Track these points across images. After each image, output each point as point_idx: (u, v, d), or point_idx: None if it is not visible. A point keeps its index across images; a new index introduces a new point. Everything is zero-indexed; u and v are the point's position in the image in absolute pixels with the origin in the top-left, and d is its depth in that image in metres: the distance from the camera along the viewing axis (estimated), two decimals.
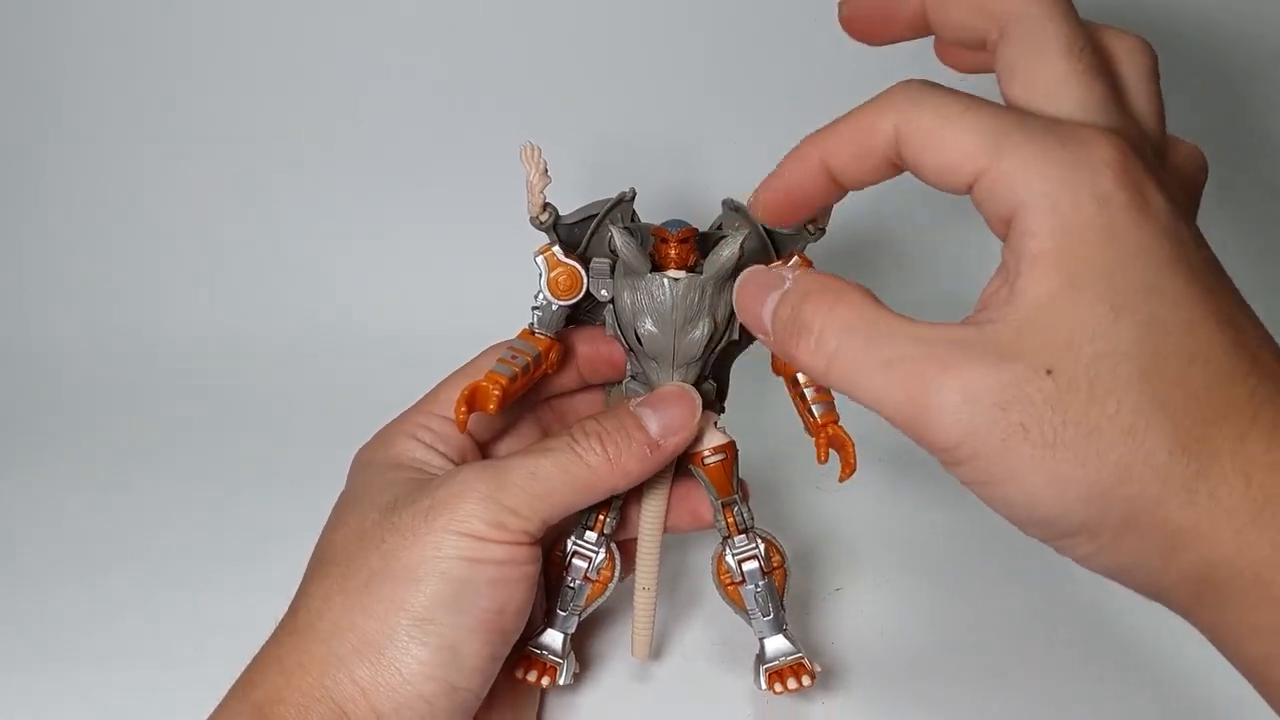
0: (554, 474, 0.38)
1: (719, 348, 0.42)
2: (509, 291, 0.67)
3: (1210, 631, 0.30)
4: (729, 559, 0.43)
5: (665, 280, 0.40)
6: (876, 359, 0.30)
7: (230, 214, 0.72)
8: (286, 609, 0.39)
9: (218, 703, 0.37)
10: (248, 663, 0.37)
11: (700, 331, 0.40)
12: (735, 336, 0.42)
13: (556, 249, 0.41)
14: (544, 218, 0.40)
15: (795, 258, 0.41)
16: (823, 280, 0.32)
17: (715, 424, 0.43)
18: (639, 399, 0.41)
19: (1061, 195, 0.29)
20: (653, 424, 0.40)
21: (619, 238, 0.39)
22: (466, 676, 0.37)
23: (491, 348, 0.43)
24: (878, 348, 0.30)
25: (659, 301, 0.40)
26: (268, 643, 0.37)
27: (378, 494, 0.39)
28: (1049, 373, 0.28)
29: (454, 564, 0.36)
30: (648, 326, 0.40)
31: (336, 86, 0.69)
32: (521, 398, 0.42)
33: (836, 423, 0.41)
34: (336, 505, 0.41)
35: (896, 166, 0.32)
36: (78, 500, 0.58)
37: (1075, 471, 0.28)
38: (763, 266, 0.37)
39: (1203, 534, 0.28)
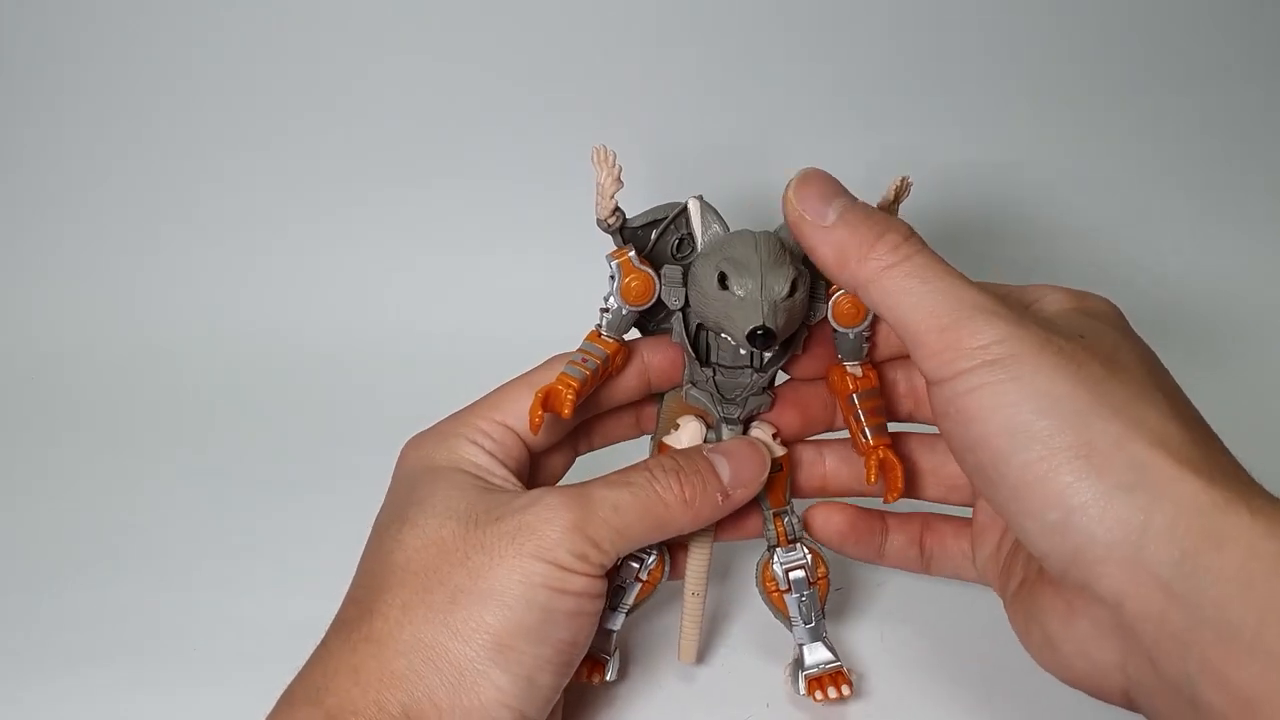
0: (634, 510, 0.38)
1: (779, 364, 0.43)
2: (526, 295, 0.69)
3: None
4: (776, 567, 0.44)
5: (747, 232, 0.40)
6: (940, 273, 0.35)
7: (237, 213, 0.72)
8: (346, 608, 0.38)
9: (277, 699, 0.36)
10: (298, 660, 0.37)
11: (787, 274, 0.39)
12: (799, 350, 0.43)
13: (632, 254, 0.41)
14: (613, 221, 0.40)
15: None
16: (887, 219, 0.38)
17: (775, 436, 0.43)
18: (712, 446, 0.41)
19: (1075, 293, 0.40)
20: (725, 473, 0.40)
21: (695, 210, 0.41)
22: (536, 707, 0.37)
23: (555, 358, 0.43)
24: (944, 267, 0.36)
25: (744, 250, 0.39)
26: (337, 646, 0.36)
27: (449, 499, 0.38)
28: (1082, 336, 0.35)
29: (539, 592, 0.36)
30: (739, 279, 0.39)
31: (363, 83, 0.69)
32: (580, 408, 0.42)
33: (889, 446, 0.42)
34: (398, 504, 0.40)
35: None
36: (80, 500, 0.58)
37: (1096, 385, 0.33)
38: (820, 169, 0.39)
39: (1195, 492, 0.31)
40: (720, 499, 0.40)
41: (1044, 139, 0.74)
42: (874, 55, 0.70)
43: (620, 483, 0.39)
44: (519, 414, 0.41)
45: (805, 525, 0.44)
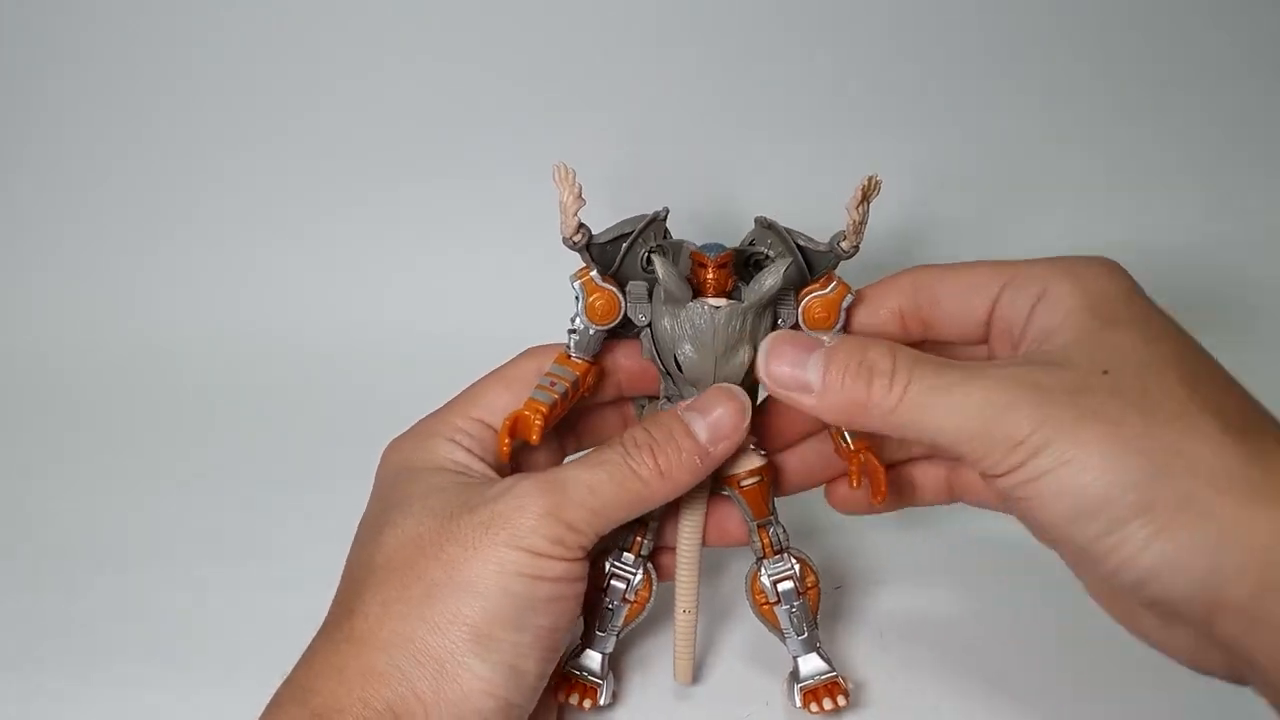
0: (610, 489, 0.38)
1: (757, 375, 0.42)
2: (517, 292, 0.67)
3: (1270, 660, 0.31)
4: (764, 579, 0.43)
5: (706, 308, 0.39)
6: (945, 382, 0.34)
7: (237, 212, 0.72)
8: (330, 610, 0.38)
9: (266, 704, 0.36)
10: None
11: (741, 357, 0.40)
12: None
13: (594, 274, 0.40)
14: (578, 239, 0.40)
15: (832, 281, 0.41)
16: (870, 335, 0.39)
17: (752, 446, 0.43)
18: (687, 403, 0.40)
19: (1081, 273, 0.37)
20: (701, 430, 0.40)
21: (662, 268, 0.39)
22: (523, 694, 0.37)
23: (530, 350, 0.43)
24: (944, 374, 0.35)
25: (700, 329, 0.40)
26: (321, 647, 0.37)
27: (426, 497, 0.38)
28: (1105, 372, 0.34)
29: (515, 580, 0.36)
30: (688, 352, 0.40)
31: (364, 83, 0.69)
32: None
33: (870, 449, 0.41)
34: (378, 507, 0.40)
35: (906, 327, 0.42)
36: (80, 499, 0.58)
37: (1139, 443, 0.32)
38: (785, 332, 0.39)
39: (1259, 525, 0.31)
40: (699, 461, 0.39)
41: (1045, 140, 0.73)
42: (844, 64, 0.69)
43: (595, 463, 0.38)
44: (495, 409, 0.41)
45: (829, 497, 0.44)
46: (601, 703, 0.43)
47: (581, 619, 0.43)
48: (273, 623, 0.46)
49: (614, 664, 0.45)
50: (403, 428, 0.43)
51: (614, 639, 0.43)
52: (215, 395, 0.67)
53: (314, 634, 0.38)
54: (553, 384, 0.40)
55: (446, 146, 0.70)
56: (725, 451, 0.40)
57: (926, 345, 0.41)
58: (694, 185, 0.68)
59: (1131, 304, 0.36)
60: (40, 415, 0.65)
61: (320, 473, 0.59)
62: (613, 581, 0.43)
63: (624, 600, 0.43)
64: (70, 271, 0.71)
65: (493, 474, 0.40)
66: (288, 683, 0.36)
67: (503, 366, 0.43)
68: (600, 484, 0.38)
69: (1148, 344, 0.35)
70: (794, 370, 0.37)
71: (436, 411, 0.42)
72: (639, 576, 0.43)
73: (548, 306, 0.62)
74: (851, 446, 0.41)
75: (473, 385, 0.43)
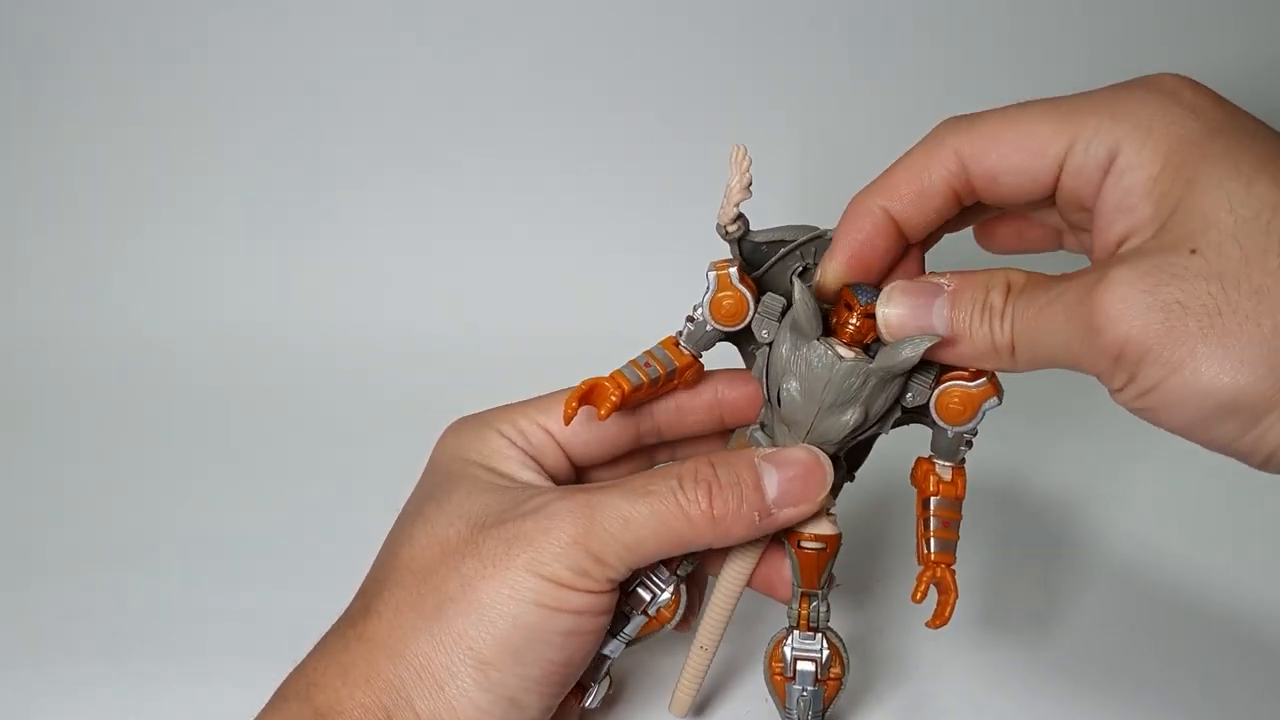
0: (649, 524, 0.35)
1: (861, 437, 0.38)
2: (516, 291, 0.67)
3: None
4: (787, 650, 0.39)
5: (830, 354, 0.35)
6: (1040, 303, 0.31)
7: (236, 212, 0.71)
8: (354, 599, 0.37)
9: (271, 691, 0.36)
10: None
11: (847, 418, 0.36)
12: (885, 431, 0.38)
13: (733, 270, 0.37)
14: (733, 229, 0.37)
15: (982, 377, 0.36)
16: (989, 271, 0.34)
17: (829, 510, 0.39)
18: (765, 452, 0.37)
19: (1155, 120, 0.31)
20: (772, 487, 0.36)
21: (799, 293, 0.35)
22: None
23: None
24: (1040, 292, 0.32)
25: (814, 372, 0.35)
26: (334, 641, 0.36)
27: (466, 498, 0.36)
28: (1193, 252, 0.29)
29: (528, 609, 0.34)
30: (792, 391, 0.36)
31: (365, 81, 0.68)
32: (648, 430, 0.39)
33: (949, 566, 0.37)
34: (420, 495, 0.38)
35: (959, 199, 0.34)
36: (80, 498, 0.58)
37: (1251, 330, 0.28)
38: (902, 281, 0.35)
39: None
40: (758, 518, 0.35)
41: None
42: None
43: (640, 491, 0.35)
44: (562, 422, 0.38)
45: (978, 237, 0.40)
46: (587, 704, 0.41)
47: None
48: (273, 621, 0.46)
49: (620, 673, 0.42)
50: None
51: (622, 646, 0.40)
52: (215, 394, 0.66)
53: (315, 632, 0.37)
54: (647, 365, 0.37)
55: (449, 142, 0.70)
56: (789, 519, 0.36)
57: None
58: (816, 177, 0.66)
59: (1215, 141, 0.30)
60: (41, 415, 0.65)
61: (322, 471, 0.59)
62: (638, 589, 0.40)
63: (643, 612, 0.40)
64: (71, 272, 0.71)
65: (544, 483, 0.38)
66: (296, 674, 0.36)
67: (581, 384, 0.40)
68: (639, 518, 0.35)
69: (1248, 187, 0.29)
70: (921, 319, 0.34)
71: (506, 405, 0.40)
72: (667, 594, 0.40)
73: (548, 305, 0.63)
74: (933, 556, 0.37)
75: (552, 393, 0.40)
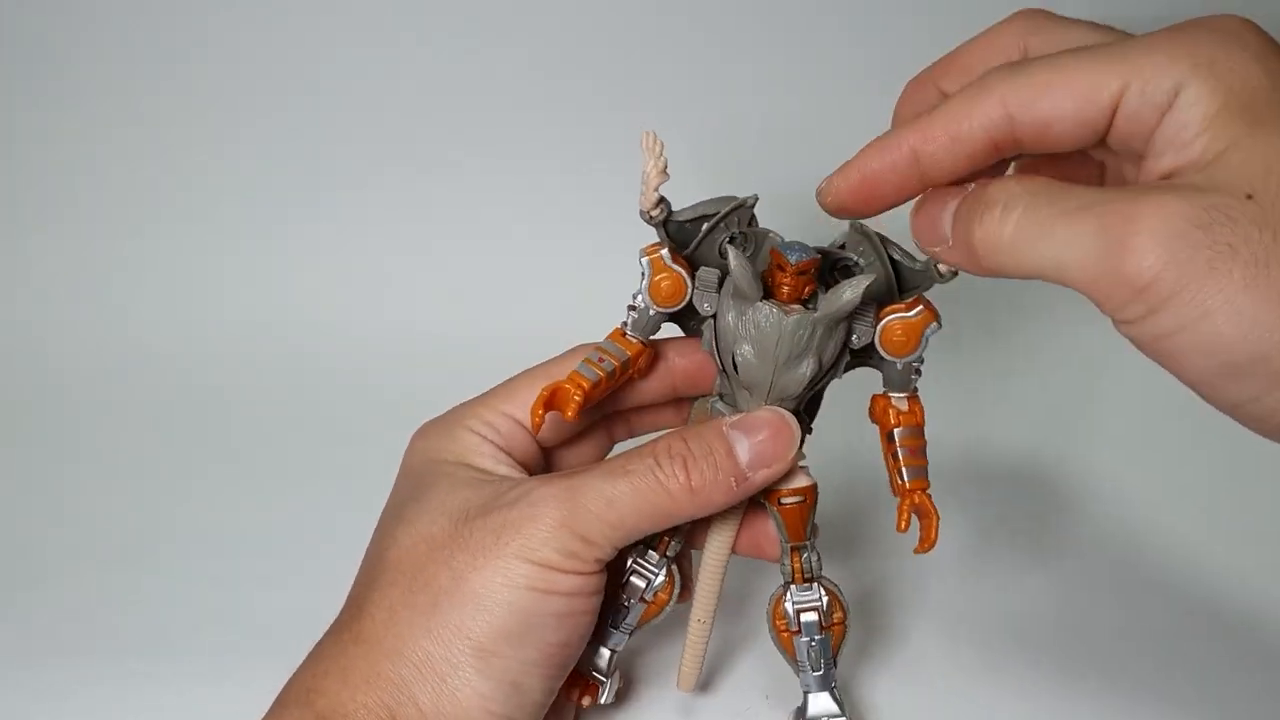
0: (631, 501, 0.36)
1: (818, 386, 0.39)
2: (514, 289, 0.67)
3: None
4: (788, 605, 0.40)
5: (775, 312, 0.36)
6: (1061, 209, 0.29)
7: (235, 211, 0.70)
8: (344, 607, 0.37)
9: (273, 697, 0.36)
10: (294, 656, 0.36)
11: (804, 370, 0.37)
12: (839, 375, 0.39)
13: (664, 252, 0.38)
14: (656, 213, 0.37)
15: (918, 306, 0.38)
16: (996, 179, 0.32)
17: (801, 464, 0.40)
18: (732, 420, 0.38)
19: (1218, 61, 0.29)
20: (743, 452, 0.37)
21: (734, 260, 0.36)
22: (525, 711, 0.36)
23: (577, 348, 0.40)
24: (1063, 200, 0.30)
25: (764, 333, 0.37)
26: (329, 646, 0.36)
27: (446, 495, 0.37)
28: (1249, 197, 0.27)
29: (522, 594, 0.35)
30: (746, 355, 0.37)
31: (364, 81, 0.67)
32: (600, 403, 0.40)
33: (925, 490, 0.38)
34: (399, 498, 0.39)
35: (997, 150, 0.32)
36: (81, 497, 0.57)
37: None
38: (941, 188, 0.34)
39: None
40: (734, 484, 0.37)
41: None
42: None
43: (619, 471, 0.36)
44: (529, 407, 0.38)
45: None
46: (602, 701, 0.41)
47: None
48: (273, 621, 0.46)
49: (627, 665, 0.42)
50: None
51: (625, 637, 0.41)
52: (215, 395, 0.66)
53: (314, 632, 0.37)
54: (601, 360, 0.38)
55: (449, 142, 0.69)
56: (765, 480, 0.37)
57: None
58: (792, 163, 0.65)
59: (1279, 88, 0.29)
60: (41, 415, 0.64)
61: (322, 471, 0.59)
62: (632, 579, 0.40)
63: (641, 600, 0.41)
64: (71, 272, 0.70)
65: (519, 474, 0.38)
66: (293, 681, 0.36)
67: (545, 362, 0.40)
68: (621, 496, 0.35)
69: None
70: (934, 221, 0.33)
71: (468, 402, 0.40)
72: (661, 577, 0.40)
73: (548, 305, 0.63)
74: (908, 484, 0.38)
75: (511, 379, 0.40)
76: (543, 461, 0.41)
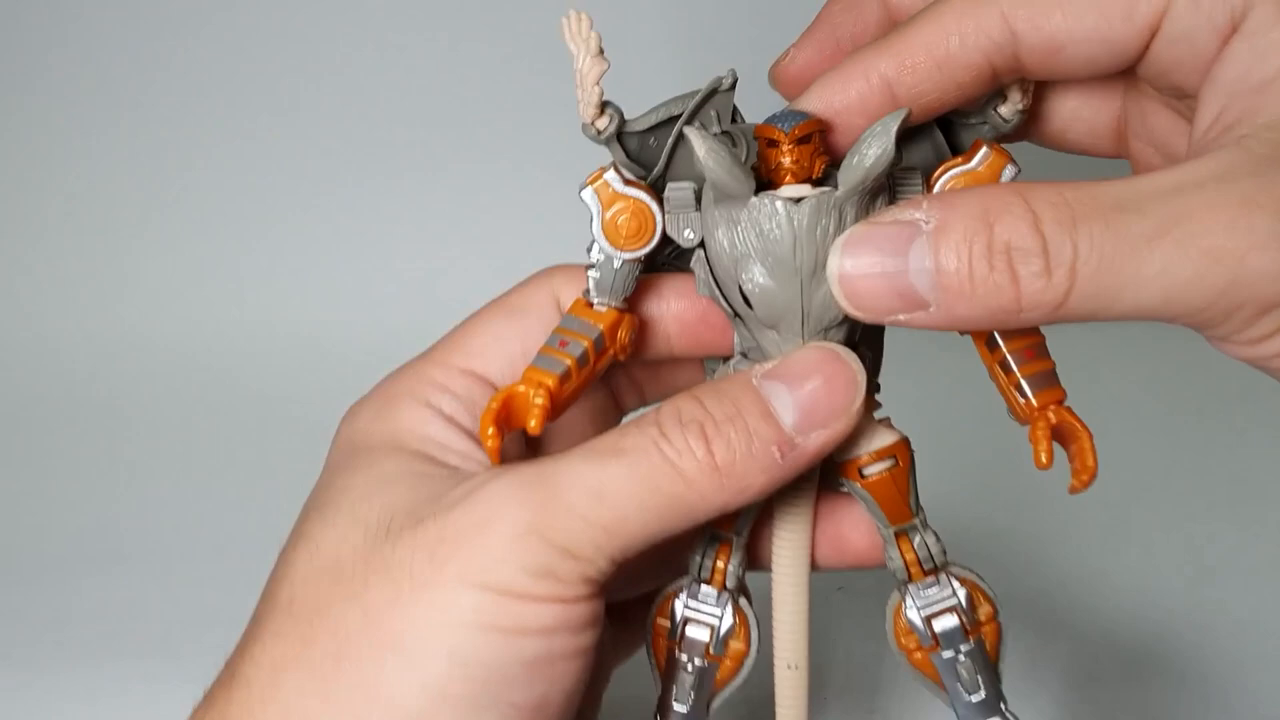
0: (629, 491, 0.25)
1: None
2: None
3: None
4: (912, 615, 0.30)
5: (779, 204, 0.26)
6: (1134, 235, 0.23)
7: (233, 211, 0.71)
8: (229, 660, 0.28)
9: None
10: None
11: None
12: None
13: (610, 175, 0.28)
14: (602, 124, 0.28)
15: (981, 149, 0.28)
16: (985, 188, 0.26)
17: (875, 414, 0.30)
18: (765, 368, 0.27)
19: None
20: (786, 409, 0.26)
21: (701, 143, 0.26)
22: None
23: (548, 271, 0.31)
24: (1125, 219, 0.23)
25: (772, 239, 0.27)
26: (202, 709, 0.27)
27: (366, 496, 0.27)
28: None
29: (469, 638, 0.25)
30: (758, 278, 0.27)
31: (374, 80, 0.69)
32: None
33: (1062, 402, 0.28)
34: (309, 502, 0.29)
35: (995, 77, 0.27)
36: (78, 497, 0.58)
37: None
38: (864, 224, 0.26)
39: None
40: (778, 455, 0.26)
41: None
42: None
43: (610, 450, 0.26)
44: (493, 357, 0.29)
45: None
46: None
47: (654, 675, 0.31)
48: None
49: None
50: None
51: (705, 713, 0.30)
52: (215, 394, 0.66)
53: None
54: (563, 344, 0.28)
55: (448, 143, 0.69)
56: (822, 445, 0.27)
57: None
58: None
59: None
60: (41, 415, 0.65)
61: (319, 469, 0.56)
62: (687, 630, 0.30)
63: (710, 656, 0.30)
64: (71, 272, 0.72)
65: (480, 457, 0.28)
66: None
67: (507, 294, 0.31)
68: (614, 486, 0.25)
69: None
70: (888, 278, 0.24)
71: (411, 362, 0.31)
72: (728, 620, 0.30)
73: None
74: (1034, 401, 0.28)
75: (465, 322, 0.31)
76: (521, 445, 0.31)
